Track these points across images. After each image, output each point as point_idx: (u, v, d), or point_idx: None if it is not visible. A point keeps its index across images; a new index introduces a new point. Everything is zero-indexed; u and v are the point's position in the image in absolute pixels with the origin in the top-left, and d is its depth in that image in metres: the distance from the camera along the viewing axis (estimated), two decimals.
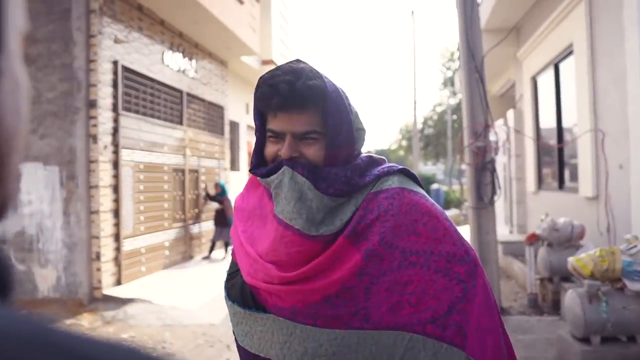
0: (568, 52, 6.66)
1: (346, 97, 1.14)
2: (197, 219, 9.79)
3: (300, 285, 1.08)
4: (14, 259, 6.31)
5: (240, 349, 1.20)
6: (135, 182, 7.42)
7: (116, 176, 6.95)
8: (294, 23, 16.01)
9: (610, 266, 3.83)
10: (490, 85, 9.22)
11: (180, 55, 8.99)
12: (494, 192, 5.58)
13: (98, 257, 6.53)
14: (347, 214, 1.10)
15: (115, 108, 6.96)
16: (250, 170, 1.17)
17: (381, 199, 1.11)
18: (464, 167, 6.46)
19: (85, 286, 6.42)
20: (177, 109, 8.99)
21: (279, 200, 1.10)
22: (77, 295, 6.37)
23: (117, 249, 6.93)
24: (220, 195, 9.72)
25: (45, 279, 6.39)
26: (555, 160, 7.67)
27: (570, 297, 3.96)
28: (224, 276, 1.30)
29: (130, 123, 7.33)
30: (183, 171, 9.16)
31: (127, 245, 7.15)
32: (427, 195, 1.17)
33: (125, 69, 7.26)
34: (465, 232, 4.99)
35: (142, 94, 7.76)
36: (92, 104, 6.54)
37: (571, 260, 4.11)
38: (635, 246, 3.84)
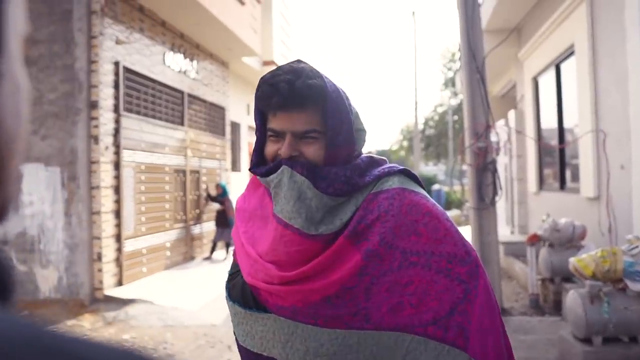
0: (569, 53, 6.66)
1: (346, 98, 1.14)
2: (198, 219, 9.79)
3: (300, 285, 1.08)
4: (15, 260, 6.31)
5: (241, 349, 1.20)
6: (136, 182, 7.43)
7: (117, 177, 6.95)
8: (295, 24, 16.02)
9: (612, 267, 3.83)
10: (491, 86, 9.21)
11: (182, 56, 8.99)
12: (495, 193, 5.57)
13: (99, 257, 6.54)
14: (347, 214, 1.10)
15: (116, 109, 6.97)
16: (249, 169, 1.17)
17: (381, 199, 1.11)
18: (465, 167, 6.46)
19: (86, 287, 6.42)
20: (178, 110, 9.00)
21: (279, 200, 1.10)
22: (79, 296, 6.37)
23: (119, 250, 6.94)
24: (221, 196, 9.73)
25: (47, 280, 6.40)
26: (557, 160, 7.66)
27: (572, 298, 3.96)
28: (225, 277, 1.30)
29: (132, 124, 7.34)
30: (184, 172, 9.17)
31: (129, 246, 7.16)
32: (428, 196, 1.16)
33: (127, 70, 7.27)
34: (467, 232, 4.99)
35: (143, 95, 7.77)
36: (93, 105, 6.55)
37: (572, 260, 4.10)
38: (637, 246, 3.84)
